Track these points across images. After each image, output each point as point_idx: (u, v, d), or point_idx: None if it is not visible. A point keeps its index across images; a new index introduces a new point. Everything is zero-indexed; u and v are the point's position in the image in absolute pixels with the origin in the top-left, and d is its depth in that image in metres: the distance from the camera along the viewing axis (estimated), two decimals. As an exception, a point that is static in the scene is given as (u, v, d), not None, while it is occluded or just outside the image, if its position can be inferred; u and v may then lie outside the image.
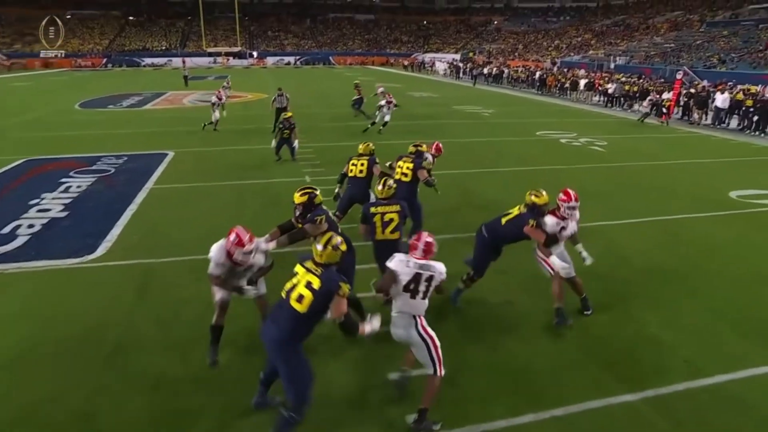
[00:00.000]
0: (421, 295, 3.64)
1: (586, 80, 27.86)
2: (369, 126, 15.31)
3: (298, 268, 3.38)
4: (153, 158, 11.81)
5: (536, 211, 4.83)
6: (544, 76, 31.86)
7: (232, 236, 3.99)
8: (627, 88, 24.07)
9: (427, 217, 6.92)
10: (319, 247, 3.34)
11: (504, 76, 37.52)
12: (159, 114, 20.17)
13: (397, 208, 4.89)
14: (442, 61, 52.47)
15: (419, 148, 6.98)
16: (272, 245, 4.37)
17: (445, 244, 5.99)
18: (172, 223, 7.68)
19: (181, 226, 7.53)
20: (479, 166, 11.57)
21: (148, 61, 57.75)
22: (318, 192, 4.71)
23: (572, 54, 48.78)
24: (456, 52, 64.54)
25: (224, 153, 12.62)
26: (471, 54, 61.07)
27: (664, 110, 18.74)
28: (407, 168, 6.60)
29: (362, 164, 6.78)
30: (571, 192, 4.94)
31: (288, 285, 3.35)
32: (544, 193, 4.91)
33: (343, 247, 3.40)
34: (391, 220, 4.82)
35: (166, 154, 12.17)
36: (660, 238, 7.36)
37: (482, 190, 9.62)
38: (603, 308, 5.32)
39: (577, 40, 53.84)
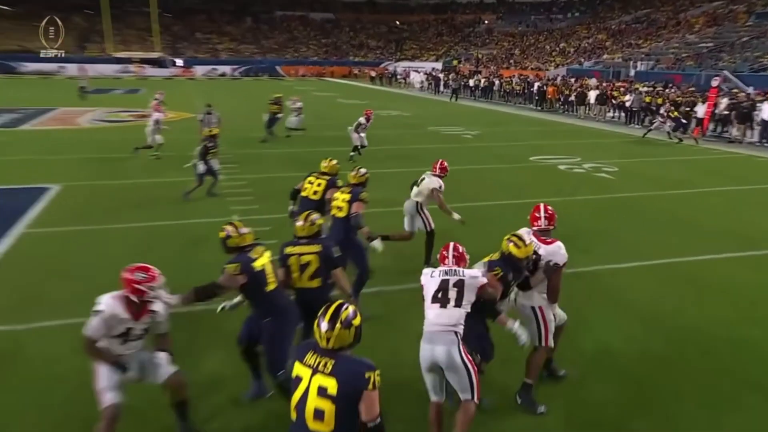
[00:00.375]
0: (452, 302, 4.07)
1: (597, 92, 29.08)
2: (356, 153, 15.67)
3: (300, 370, 2.91)
4: (28, 194, 11.73)
5: (510, 264, 4.64)
6: (544, 87, 33.26)
7: (135, 273, 4.00)
8: (648, 99, 25.19)
9: (387, 265, 7.02)
10: (324, 326, 2.86)
11: (495, 88, 38.91)
12: (42, 136, 20.09)
13: (316, 248, 4.86)
14: (418, 71, 54.33)
15: (365, 175, 6.97)
16: (175, 300, 4.33)
17: (409, 298, 6.10)
18: (49, 279, 7.60)
19: (62, 282, 7.45)
20: (454, 199, 11.76)
21: (31, 66, 57.26)
22: (241, 232, 4.67)
23: (582, 59, 50.85)
24: (436, 60, 66.97)
25: (130, 187, 12.65)
26: (455, 62, 63.33)
27: (675, 122, 19.79)
28: (343, 200, 6.44)
29: (319, 184, 6.94)
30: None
31: (294, 399, 2.90)
32: (527, 242, 4.65)
33: (357, 321, 2.95)
34: (309, 263, 4.82)
35: (48, 189, 12.11)
36: (677, 285, 7.64)
37: (456, 227, 9.83)
38: (596, 370, 5.47)
39: (589, 42, 56.15)
